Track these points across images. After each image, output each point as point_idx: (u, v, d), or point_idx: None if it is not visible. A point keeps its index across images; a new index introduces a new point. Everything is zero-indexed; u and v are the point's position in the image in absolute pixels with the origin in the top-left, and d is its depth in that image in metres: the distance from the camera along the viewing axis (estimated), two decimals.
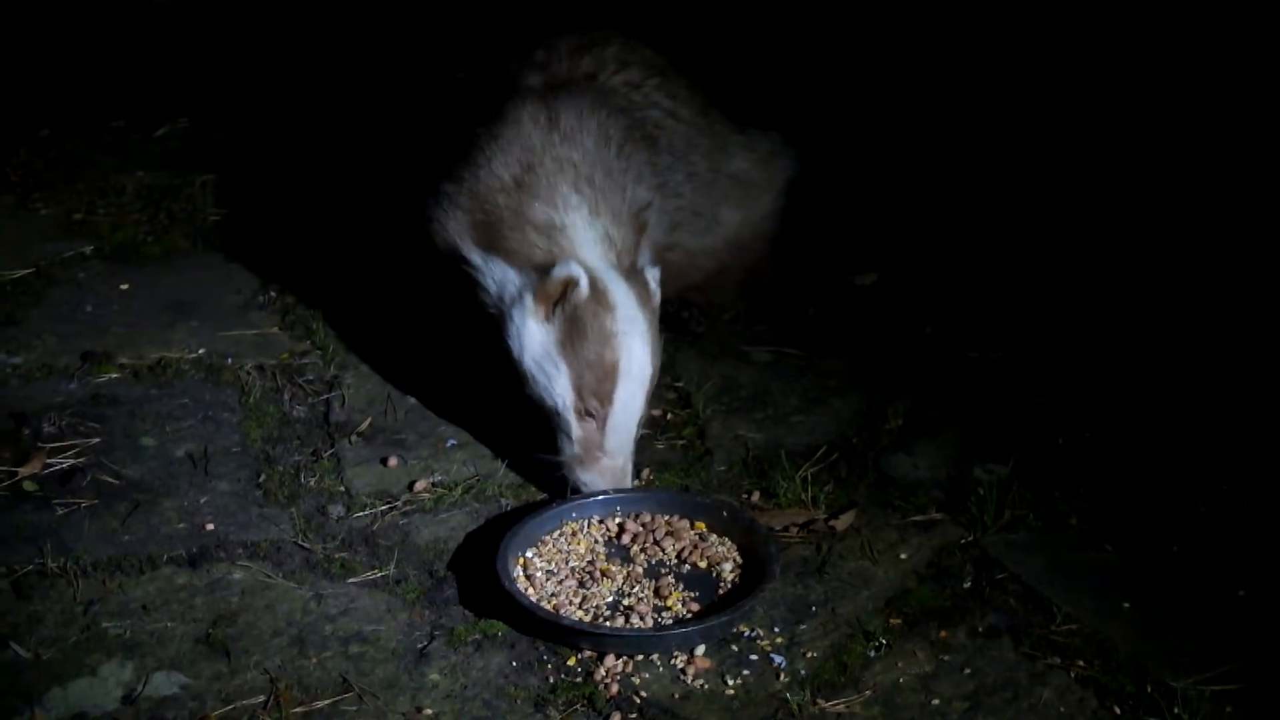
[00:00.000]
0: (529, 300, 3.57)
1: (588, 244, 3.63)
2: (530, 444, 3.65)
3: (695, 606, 3.32)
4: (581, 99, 3.87)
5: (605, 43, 4.14)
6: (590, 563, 3.43)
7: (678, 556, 3.45)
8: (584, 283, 3.50)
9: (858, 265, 4.61)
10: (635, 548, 3.47)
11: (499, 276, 3.67)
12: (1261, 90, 4.88)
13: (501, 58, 4.18)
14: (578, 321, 3.52)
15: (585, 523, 3.53)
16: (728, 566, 3.42)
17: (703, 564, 3.43)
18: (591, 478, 3.55)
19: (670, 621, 3.27)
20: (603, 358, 3.50)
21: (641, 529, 3.51)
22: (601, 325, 3.51)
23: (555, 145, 3.74)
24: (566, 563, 3.42)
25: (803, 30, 5.63)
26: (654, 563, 3.44)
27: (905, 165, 5.05)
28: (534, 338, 3.57)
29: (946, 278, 4.54)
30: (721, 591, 3.36)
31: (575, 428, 3.55)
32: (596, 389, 3.51)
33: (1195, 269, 4.47)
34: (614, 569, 3.40)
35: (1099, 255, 4.59)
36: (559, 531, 3.50)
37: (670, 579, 3.38)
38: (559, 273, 3.52)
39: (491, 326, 3.70)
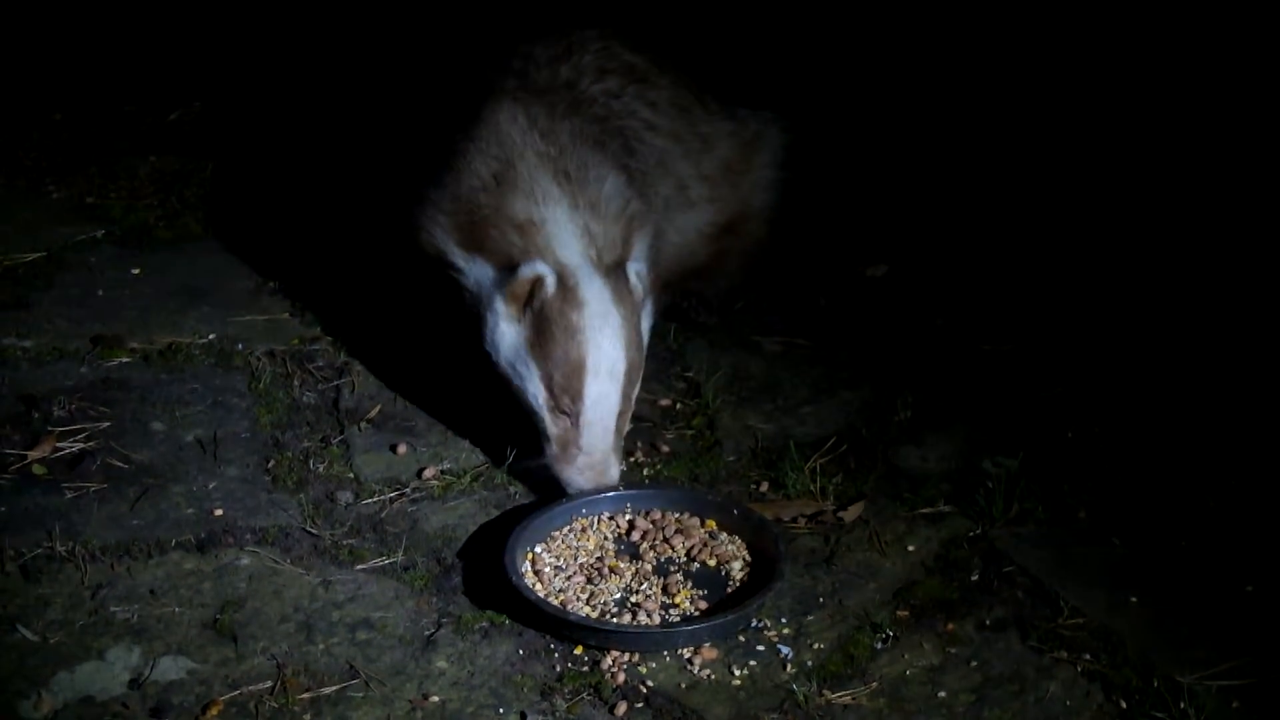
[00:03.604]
0: (499, 302, 3.58)
1: (565, 239, 3.62)
2: (519, 449, 3.66)
3: (703, 604, 3.31)
4: (557, 103, 3.89)
5: (582, 49, 4.11)
6: (599, 559, 3.42)
7: (687, 554, 3.45)
8: (550, 281, 3.51)
9: (869, 257, 4.61)
10: (644, 545, 3.47)
11: (478, 276, 3.68)
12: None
13: (478, 60, 4.17)
14: (545, 320, 3.52)
15: (595, 519, 3.53)
16: (737, 565, 3.41)
17: (712, 562, 3.43)
18: (571, 475, 3.54)
19: (678, 619, 3.26)
20: (569, 355, 3.50)
21: (651, 526, 3.51)
22: (569, 322, 3.50)
23: (535, 141, 3.75)
24: (575, 559, 3.42)
25: (816, 17, 5.61)
26: (663, 560, 3.44)
27: (917, 156, 5.03)
28: (506, 338, 3.58)
29: (958, 270, 4.53)
30: (730, 590, 3.36)
31: (551, 425, 3.54)
32: (567, 386, 3.50)
33: (1209, 263, 4.46)
34: (623, 566, 3.40)
35: (1113, 249, 4.58)
36: (569, 527, 3.50)
37: (679, 577, 3.38)
38: (525, 272, 3.54)
39: (475, 328, 3.71)
